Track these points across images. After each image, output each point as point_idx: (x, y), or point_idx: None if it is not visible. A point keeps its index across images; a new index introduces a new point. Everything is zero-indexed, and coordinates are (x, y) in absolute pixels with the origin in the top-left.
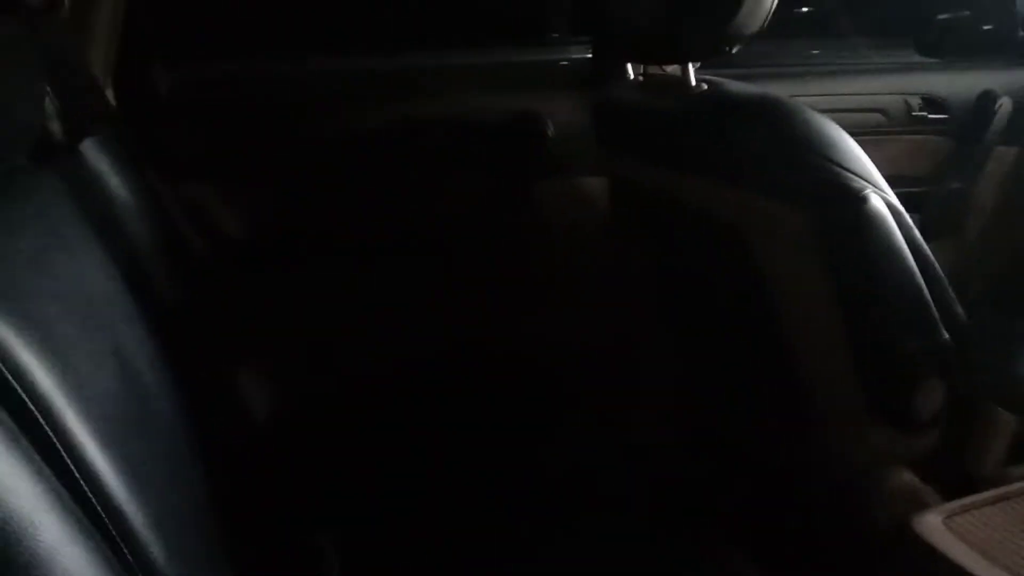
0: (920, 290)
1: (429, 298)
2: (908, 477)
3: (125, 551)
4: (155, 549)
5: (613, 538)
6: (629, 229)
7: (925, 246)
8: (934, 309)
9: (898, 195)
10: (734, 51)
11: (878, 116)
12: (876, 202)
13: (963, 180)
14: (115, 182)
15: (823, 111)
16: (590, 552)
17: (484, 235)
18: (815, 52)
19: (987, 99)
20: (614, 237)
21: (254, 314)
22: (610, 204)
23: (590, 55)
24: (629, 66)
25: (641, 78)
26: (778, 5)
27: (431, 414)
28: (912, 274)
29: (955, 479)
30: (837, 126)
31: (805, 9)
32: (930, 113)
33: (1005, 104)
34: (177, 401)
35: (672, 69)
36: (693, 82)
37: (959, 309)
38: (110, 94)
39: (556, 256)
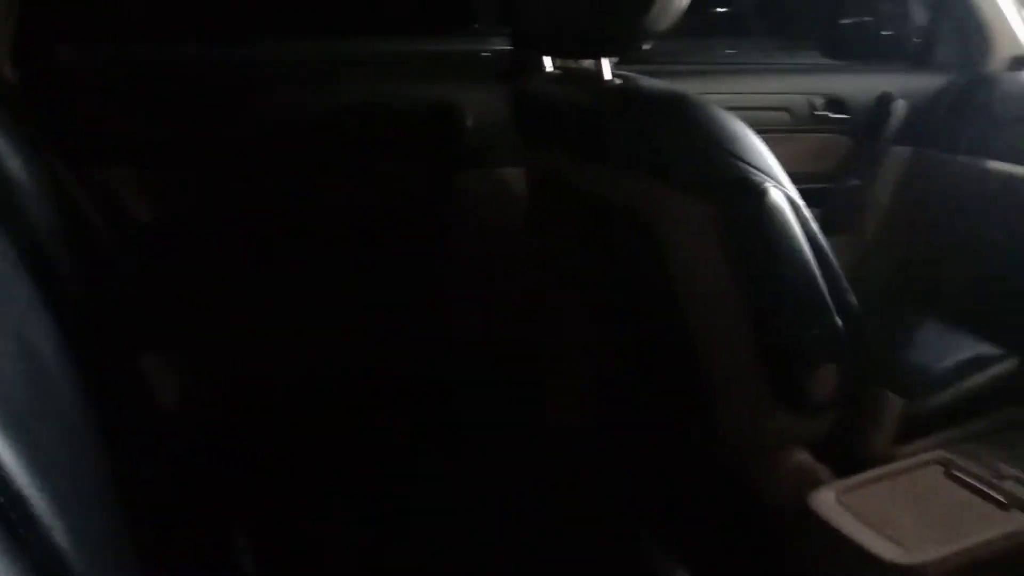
0: (815, 279)
1: (345, 285)
2: (805, 457)
3: (27, 536)
4: (58, 534)
5: (531, 519)
6: (547, 218)
7: (821, 238)
8: (828, 297)
9: (801, 191)
10: (647, 47)
11: (784, 115)
12: (776, 195)
13: (861, 178)
14: (15, 164)
15: (732, 108)
16: (508, 532)
17: (403, 223)
18: (729, 51)
19: (885, 101)
20: (533, 226)
21: (162, 301)
22: (528, 194)
23: (510, 47)
24: (547, 59)
25: (558, 71)
26: (696, 5)
27: (346, 402)
28: (808, 264)
29: (848, 459)
30: (741, 122)
31: (721, 10)
32: (832, 113)
33: (900, 106)
34: (82, 387)
35: (589, 64)
36: (607, 76)
37: (852, 298)
38: (8, 71)
39: (476, 245)
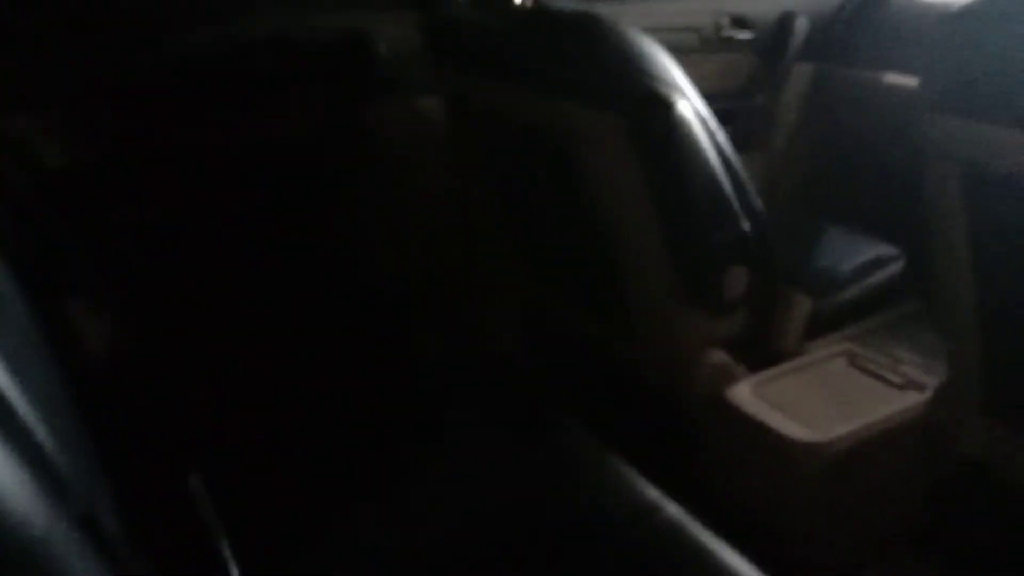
0: (722, 186)
1: (267, 222)
2: (722, 356)
3: (10, 427)
4: (40, 434)
5: (472, 434)
6: (465, 143)
7: (728, 150)
8: (736, 203)
9: (711, 110)
10: None
11: (692, 35)
12: (684, 108)
13: (768, 95)
14: None
15: (644, 30)
16: (453, 448)
17: (321, 155)
18: None
19: (787, 19)
20: (452, 152)
21: (83, 247)
22: (447, 121)
23: None
24: None
25: None
26: None
27: (284, 341)
28: (715, 173)
29: (762, 355)
30: (649, 40)
31: None
32: (738, 32)
33: (802, 23)
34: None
35: None
36: (519, 0)
37: (759, 204)
38: None
39: (396, 174)
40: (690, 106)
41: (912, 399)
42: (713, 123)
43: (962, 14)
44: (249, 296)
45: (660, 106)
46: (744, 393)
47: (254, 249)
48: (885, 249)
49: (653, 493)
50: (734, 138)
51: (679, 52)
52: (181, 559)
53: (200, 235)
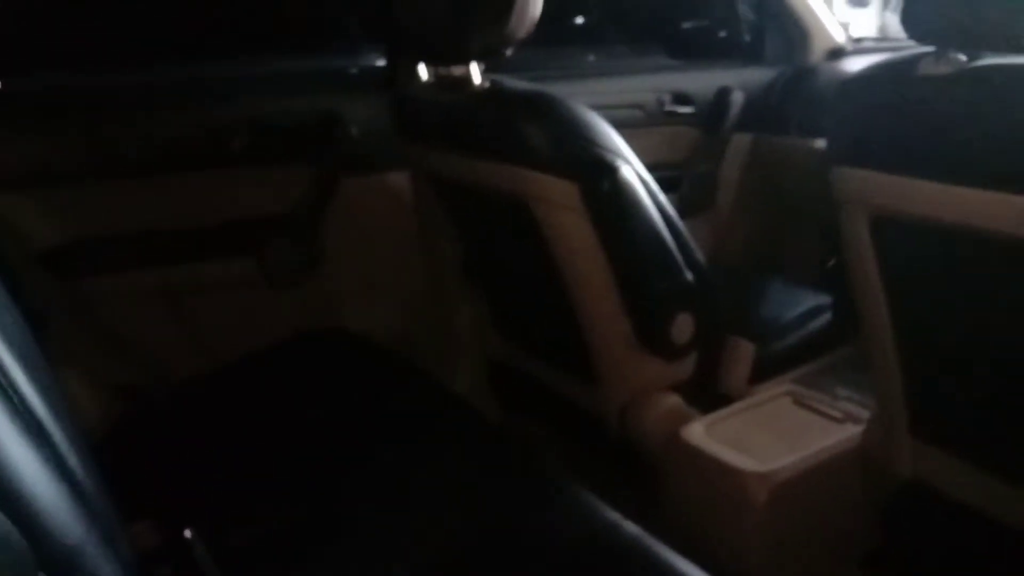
0: (664, 240)
1: (248, 293)
2: (674, 399)
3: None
4: (31, 398)
5: (441, 467)
6: (432, 214)
7: (670, 209)
8: (679, 256)
9: (656, 179)
10: (510, 53)
11: (637, 111)
12: (626, 172)
13: (710, 164)
14: None
15: (592, 107)
16: (426, 482)
17: (298, 227)
18: (590, 58)
19: (724, 94)
20: (420, 223)
21: (71, 320)
22: (415, 194)
23: (382, 61)
24: (422, 68)
25: (433, 80)
26: (555, 17)
27: (267, 402)
28: (657, 227)
29: (711, 399)
30: (594, 114)
31: (579, 20)
32: (679, 106)
33: (738, 97)
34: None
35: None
36: (478, 80)
37: (700, 257)
38: None
39: (367, 246)
40: (632, 171)
41: (850, 430)
42: (654, 186)
43: (855, 79)
44: (221, 354)
45: (605, 169)
46: (697, 432)
47: (236, 312)
48: (823, 299)
49: (613, 515)
50: (680, 202)
51: (625, 127)
52: None
53: (185, 303)
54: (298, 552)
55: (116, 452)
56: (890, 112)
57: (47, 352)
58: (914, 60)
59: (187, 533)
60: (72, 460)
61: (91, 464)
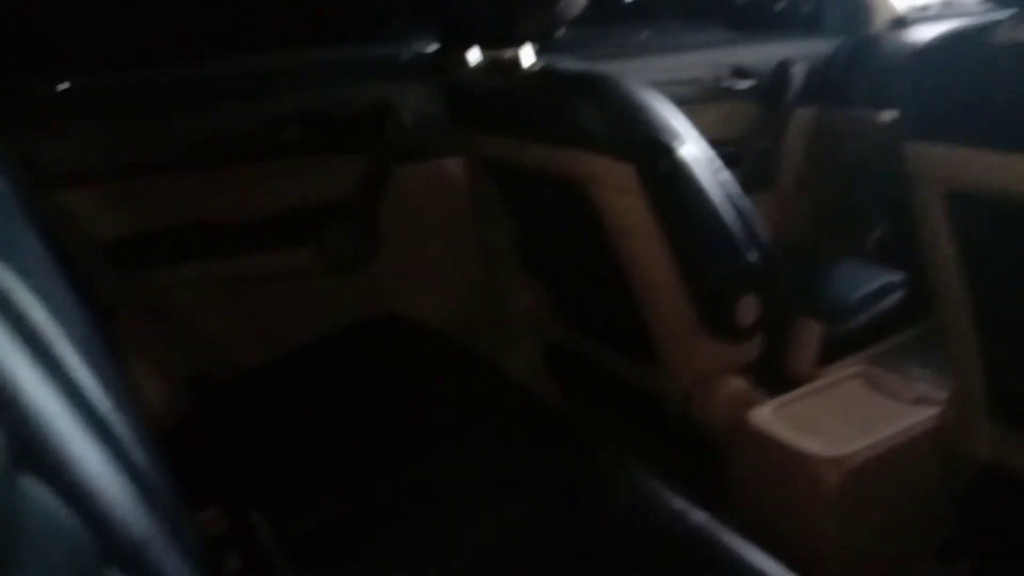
0: (726, 220)
1: (305, 282)
2: (740, 382)
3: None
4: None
5: (502, 451)
6: (486, 199)
7: (733, 187)
8: (742, 236)
9: (718, 154)
10: (560, 34)
11: (695, 87)
12: (685, 151)
13: (771, 139)
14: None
15: (648, 85)
16: (486, 465)
17: (353, 219)
18: (643, 34)
19: (785, 66)
20: (474, 208)
21: (136, 313)
22: (469, 180)
23: (432, 47)
24: (471, 53)
25: (485, 63)
26: None
27: (328, 390)
28: (719, 207)
29: (779, 381)
30: (650, 92)
31: None
32: (737, 82)
33: (799, 70)
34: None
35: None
36: (530, 62)
37: (764, 236)
38: None
39: (422, 233)
40: (692, 149)
41: (925, 413)
42: (716, 164)
43: (928, 48)
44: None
45: (662, 150)
46: (765, 415)
47: (293, 301)
48: (893, 276)
49: (680, 502)
50: (742, 179)
51: (682, 103)
52: None
53: (244, 293)
54: (362, 535)
55: (183, 441)
56: (969, 82)
57: (113, 345)
58: (989, 27)
59: (252, 517)
60: (136, 453)
61: (156, 456)
